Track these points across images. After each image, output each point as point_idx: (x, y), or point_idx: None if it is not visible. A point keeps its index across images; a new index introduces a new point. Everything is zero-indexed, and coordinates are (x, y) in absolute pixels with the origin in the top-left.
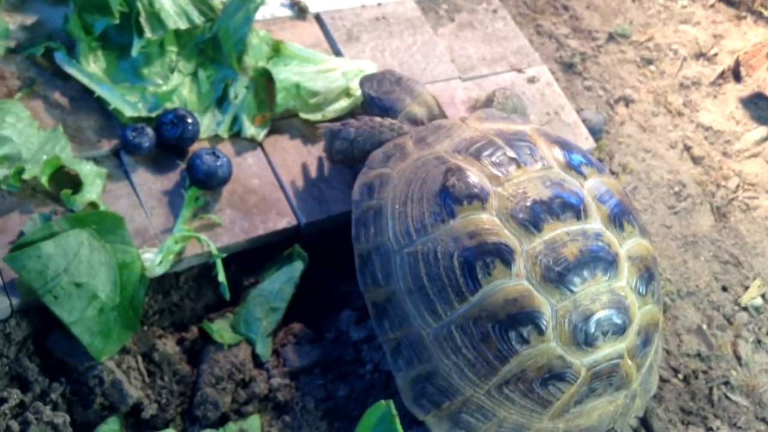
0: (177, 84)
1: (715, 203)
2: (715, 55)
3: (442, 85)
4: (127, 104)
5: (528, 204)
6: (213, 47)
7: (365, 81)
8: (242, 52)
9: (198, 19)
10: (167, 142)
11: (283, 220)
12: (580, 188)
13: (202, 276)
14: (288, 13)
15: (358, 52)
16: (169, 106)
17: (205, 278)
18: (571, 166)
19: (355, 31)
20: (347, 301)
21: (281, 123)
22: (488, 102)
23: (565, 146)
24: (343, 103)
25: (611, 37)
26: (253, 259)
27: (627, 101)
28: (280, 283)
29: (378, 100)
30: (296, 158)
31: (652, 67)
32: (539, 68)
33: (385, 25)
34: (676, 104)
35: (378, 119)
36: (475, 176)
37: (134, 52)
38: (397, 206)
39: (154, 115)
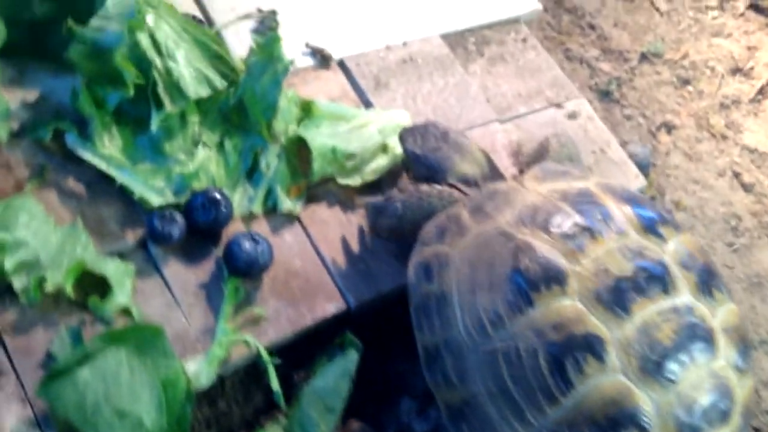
0: (203, 159)
1: None
2: (752, 68)
3: (481, 131)
4: (152, 190)
5: (611, 283)
6: (239, 114)
7: (407, 136)
8: (271, 118)
9: (220, 84)
10: (199, 228)
11: (331, 304)
12: (662, 254)
13: (249, 377)
14: (310, 62)
15: (388, 101)
16: (197, 185)
17: (253, 378)
18: (647, 229)
19: (383, 77)
20: (404, 386)
21: (316, 191)
22: (541, 151)
23: (635, 203)
24: (381, 162)
25: (644, 57)
26: (301, 350)
27: (669, 127)
28: (334, 377)
29: (424, 158)
30: (336, 230)
31: (690, 88)
32: (578, 101)
33: (414, 68)
34: (718, 126)
35: (425, 188)
36: (549, 255)
37: (153, 127)
38: (464, 294)
39: (182, 200)
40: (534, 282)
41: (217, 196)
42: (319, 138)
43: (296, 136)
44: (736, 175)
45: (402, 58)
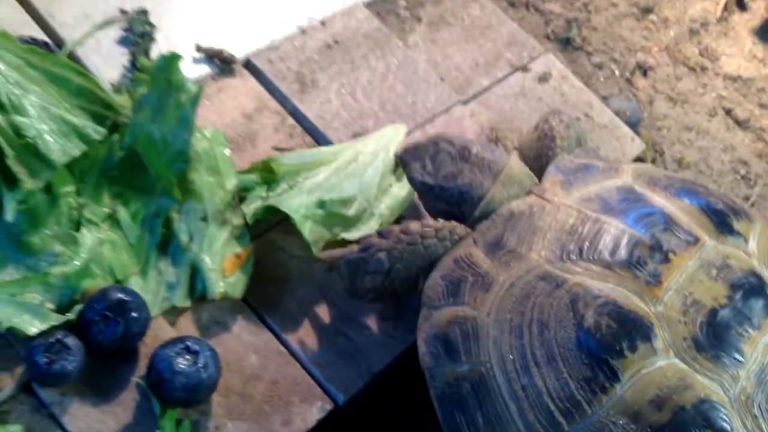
0: (92, 245)
1: None
2: None
3: (444, 119)
4: (27, 312)
5: (708, 319)
6: (132, 170)
7: (410, 161)
8: (184, 170)
9: (97, 134)
10: (104, 349)
11: (314, 407)
12: (750, 260)
13: None
14: (206, 70)
15: (322, 103)
16: (89, 286)
17: None
18: (720, 227)
19: (307, 73)
20: None
21: (260, 247)
22: (542, 136)
23: (691, 193)
24: (400, 192)
25: None
26: None
27: (644, 69)
28: None
29: (440, 190)
30: (300, 300)
31: (653, 17)
32: (545, 58)
33: (342, 53)
34: (694, 57)
35: (415, 226)
36: (619, 298)
37: (9, 216)
38: (513, 376)
39: (72, 314)
40: (611, 345)
41: (122, 297)
42: (296, 198)
43: (265, 207)
44: (728, 111)
45: (324, 43)
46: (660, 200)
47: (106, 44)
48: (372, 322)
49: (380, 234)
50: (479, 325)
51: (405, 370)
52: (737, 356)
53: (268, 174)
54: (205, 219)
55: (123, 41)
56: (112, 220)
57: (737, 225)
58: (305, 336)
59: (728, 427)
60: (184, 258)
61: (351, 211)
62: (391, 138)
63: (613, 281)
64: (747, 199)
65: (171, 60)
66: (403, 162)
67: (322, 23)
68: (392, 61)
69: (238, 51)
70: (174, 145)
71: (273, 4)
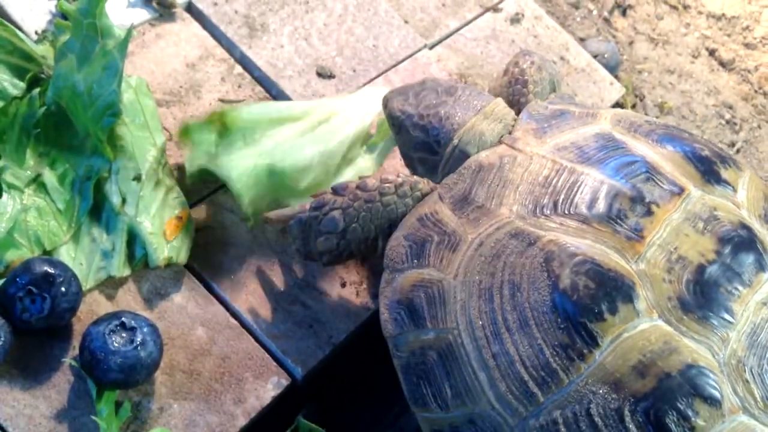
0: (13, 213)
1: None
2: None
3: (409, 65)
4: None
5: (695, 277)
6: (57, 127)
7: (393, 96)
8: (113, 124)
9: (15, 89)
10: (31, 328)
11: (268, 383)
12: (739, 212)
13: None
14: (145, 16)
15: (274, 49)
16: (12, 258)
17: None
18: (706, 176)
19: (256, 16)
20: None
21: (207, 208)
22: (513, 81)
23: (674, 139)
24: (364, 164)
25: None
26: None
27: (623, 8)
28: None
29: (419, 117)
30: (251, 269)
31: None
32: None
33: None
34: None
35: (372, 182)
36: (598, 256)
37: None
38: (483, 344)
39: None
40: (590, 307)
41: (48, 269)
42: (243, 161)
43: (200, 170)
44: (711, 52)
45: None
46: (641, 148)
47: None
48: (331, 288)
49: (335, 190)
50: (446, 289)
51: (369, 339)
52: (727, 316)
53: (223, 127)
54: (138, 179)
55: None
56: (38, 183)
57: (725, 173)
58: (258, 306)
59: (718, 395)
60: (119, 223)
61: (303, 183)
62: (373, 102)
63: (591, 237)
64: (732, 145)
65: (95, 3)
66: (385, 100)
67: None
68: (350, 1)
69: None
70: (102, 97)
71: None
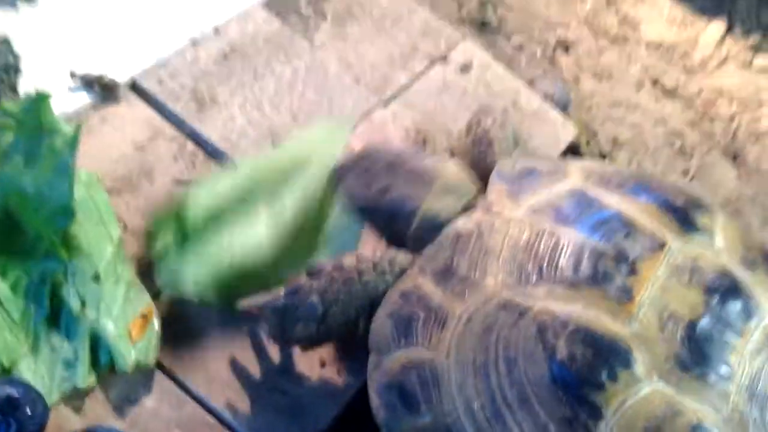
0: None
1: (721, 145)
2: None
3: (365, 127)
4: None
5: (688, 333)
6: (4, 231)
7: (343, 177)
8: (68, 225)
9: None
10: None
11: None
12: (718, 259)
13: None
14: (86, 99)
15: (225, 123)
16: None
17: None
18: (683, 225)
19: (204, 89)
20: None
21: (167, 298)
22: (477, 142)
23: (644, 188)
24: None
25: None
26: None
27: (565, 46)
28: None
29: (374, 206)
30: (224, 356)
31: None
32: (463, 45)
33: (241, 62)
34: (614, 28)
35: (349, 261)
36: (590, 323)
37: None
38: (484, 425)
39: None
40: (588, 377)
41: (10, 392)
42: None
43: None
44: (654, 81)
45: (220, 53)
46: (615, 202)
47: None
48: (311, 370)
49: (309, 273)
50: (438, 369)
51: (356, 421)
52: (724, 370)
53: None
54: (97, 278)
55: None
56: None
57: (700, 220)
58: (235, 399)
59: None
60: (80, 328)
61: (276, 271)
62: (326, 144)
63: (581, 302)
64: (686, 173)
65: (39, 100)
66: (338, 178)
67: (216, 31)
68: (299, 65)
69: (122, 74)
70: (53, 199)
71: (158, 17)
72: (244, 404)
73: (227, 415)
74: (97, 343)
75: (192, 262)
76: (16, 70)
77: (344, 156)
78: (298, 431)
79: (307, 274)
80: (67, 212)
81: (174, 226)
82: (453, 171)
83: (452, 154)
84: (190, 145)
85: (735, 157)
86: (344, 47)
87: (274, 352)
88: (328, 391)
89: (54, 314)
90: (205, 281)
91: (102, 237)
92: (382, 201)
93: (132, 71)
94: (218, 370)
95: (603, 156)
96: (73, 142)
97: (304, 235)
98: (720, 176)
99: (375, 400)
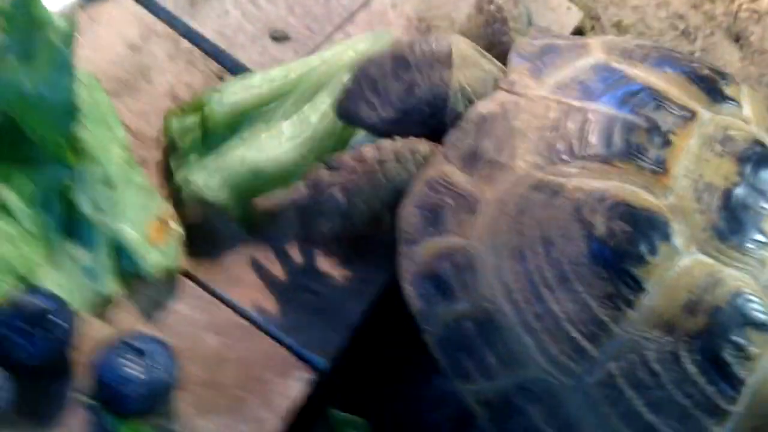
0: None
1: (723, 26)
2: None
3: (365, 17)
4: None
5: (725, 202)
6: (7, 137)
7: (351, 110)
8: (72, 127)
9: None
10: (30, 368)
11: (293, 380)
12: (749, 128)
13: None
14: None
15: (219, 18)
16: None
17: None
18: (711, 95)
19: None
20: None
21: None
22: (490, 20)
23: (668, 60)
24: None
25: None
26: None
27: None
28: None
29: (405, 115)
30: (248, 260)
31: None
32: None
33: None
34: None
35: (369, 151)
36: (628, 196)
37: None
38: (523, 307)
39: None
40: (629, 251)
41: (38, 302)
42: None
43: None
44: None
45: None
46: (641, 74)
47: None
48: (336, 269)
49: (329, 166)
50: (472, 255)
51: (389, 314)
52: (761, 238)
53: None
54: (108, 182)
55: None
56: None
57: (727, 90)
58: (265, 301)
59: (767, 318)
60: (97, 235)
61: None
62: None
63: (616, 177)
64: (691, 55)
65: None
66: (345, 116)
67: None
68: None
69: None
70: (54, 98)
71: None
72: (274, 306)
73: (260, 318)
74: (117, 250)
75: (211, 167)
76: None
77: (341, 89)
78: (330, 329)
79: (326, 167)
80: (70, 111)
81: (195, 129)
82: (461, 40)
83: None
84: (185, 43)
85: (737, 39)
86: None
87: (296, 252)
88: (357, 287)
89: (68, 223)
90: (222, 186)
91: (109, 140)
92: (409, 104)
93: None
94: (243, 274)
95: None
96: (68, 36)
97: (327, 147)
98: (725, 58)
99: (409, 291)
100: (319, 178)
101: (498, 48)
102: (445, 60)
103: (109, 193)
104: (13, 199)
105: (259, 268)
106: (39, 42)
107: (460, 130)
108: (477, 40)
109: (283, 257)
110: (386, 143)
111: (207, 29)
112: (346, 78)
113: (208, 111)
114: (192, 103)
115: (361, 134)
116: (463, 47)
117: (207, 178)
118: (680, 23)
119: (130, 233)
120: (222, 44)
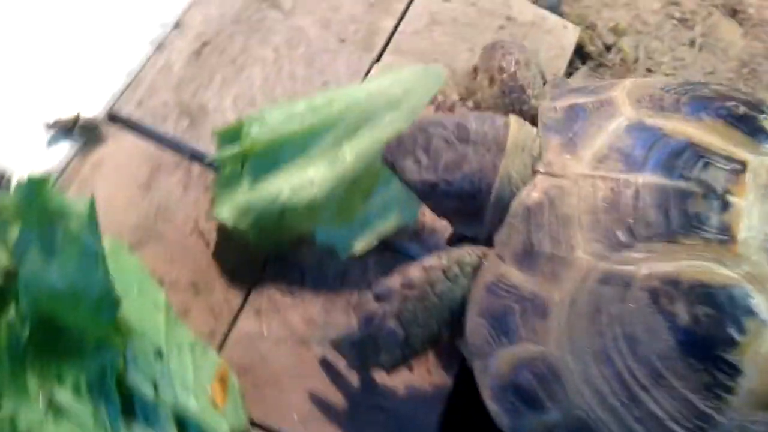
0: None
1: (719, 3)
2: None
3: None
4: None
5: None
6: (46, 336)
7: (398, 160)
8: (115, 313)
9: None
10: None
11: None
12: None
13: None
14: (68, 149)
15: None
16: None
17: None
18: (754, 136)
19: (189, 99)
20: None
21: (233, 347)
22: (507, 90)
23: (701, 102)
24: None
25: None
26: None
27: None
28: None
29: (446, 185)
30: (306, 391)
31: None
32: None
33: (217, 55)
34: None
35: (417, 273)
36: (705, 277)
37: None
38: (622, 412)
39: None
40: (718, 336)
41: None
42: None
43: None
44: None
45: (192, 51)
46: (679, 127)
47: None
48: (399, 379)
49: (378, 297)
50: (553, 362)
51: (463, 418)
52: None
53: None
54: (159, 354)
55: None
56: (53, 411)
57: (766, 124)
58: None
59: None
60: (160, 413)
61: (328, 211)
62: (417, 88)
63: (684, 255)
64: (692, 42)
65: (39, 184)
66: (390, 163)
67: (177, 25)
68: (278, 42)
69: (95, 107)
70: (89, 291)
71: (111, 29)
72: None
73: None
74: (184, 424)
75: (243, 202)
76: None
77: (397, 136)
78: None
79: (375, 298)
80: (110, 302)
81: (236, 155)
82: (518, 124)
83: (467, 96)
84: (196, 167)
85: (735, 13)
86: (316, 5)
87: (355, 377)
88: (425, 394)
89: (128, 406)
90: (253, 225)
91: (149, 307)
92: (453, 179)
93: (104, 101)
94: (310, 408)
95: (608, 48)
96: (91, 221)
97: (359, 186)
98: (727, 37)
99: (493, 407)
100: (370, 311)
101: (519, 115)
102: (501, 144)
103: (162, 365)
104: (65, 396)
105: (322, 399)
106: (60, 233)
107: (509, 227)
108: (495, 109)
109: (342, 384)
110: (433, 262)
111: (213, 146)
112: (390, 118)
113: (247, 137)
114: (233, 127)
115: (388, 182)
116: (516, 132)
117: (238, 216)
118: (675, 11)
119: (194, 405)
120: None
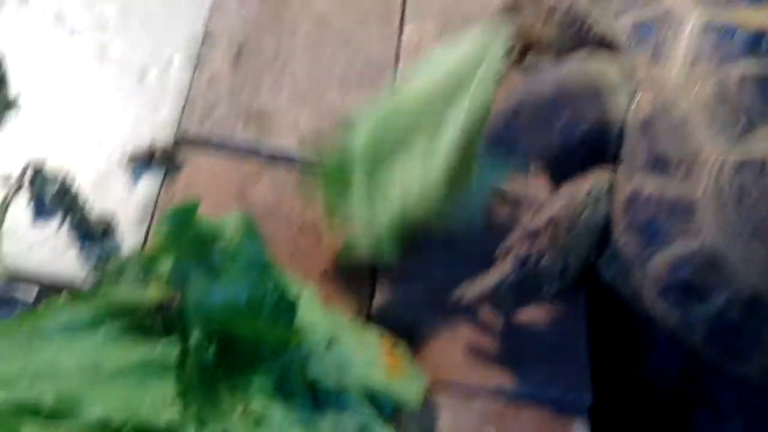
0: None
1: None
2: None
3: (410, 50)
4: None
5: None
6: (225, 349)
7: (512, 141)
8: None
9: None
10: None
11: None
12: None
13: None
14: (154, 184)
15: (290, 128)
16: None
17: None
18: None
19: (247, 104)
20: None
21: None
22: (569, 24)
23: None
24: None
25: None
26: None
27: None
28: None
29: (580, 143)
30: (463, 345)
31: None
32: None
33: (256, 60)
34: None
35: (559, 206)
36: None
37: None
38: None
39: None
40: None
41: None
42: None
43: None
44: None
45: (232, 59)
46: (749, 17)
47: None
48: (540, 315)
49: (529, 235)
50: (709, 254)
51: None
52: None
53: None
54: (329, 344)
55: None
56: (254, 422)
57: None
58: (501, 371)
59: None
60: (349, 397)
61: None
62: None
63: None
64: None
65: (190, 210)
66: (505, 144)
67: (207, 32)
68: (309, 30)
69: (164, 133)
70: (266, 299)
71: (143, 48)
72: (513, 372)
73: (512, 387)
74: (374, 400)
75: (361, 209)
76: (77, 205)
77: (491, 124)
78: (573, 365)
79: (526, 236)
80: (287, 306)
81: (339, 173)
82: (599, 60)
83: (549, 47)
84: (276, 169)
85: None
86: None
87: (500, 323)
88: (566, 323)
89: (315, 400)
90: (378, 228)
91: (306, 300)
92: (574, 136)
93: (165, 128)
94: (468, 361)
95: None
96: (252, 233)
97: (459, 163)
98: None
99: (659, 306)
100: (520, 251)
101: (586, 43)
102: (599, 85)
103: (335, 352)
104: (262, 403)
105: (479, 351)
106: (217, 254)
107: (628, 147)
108: (562, 44)
109: (493, 331)
110: (571, 190)
111: (288, 144)
112: (475, 90)
113: (348, 136)
114: (327, 134)
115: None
116: (605, 66)
117: (360, 236)
118: None
119: (377, 379)
120: (305, 150)
